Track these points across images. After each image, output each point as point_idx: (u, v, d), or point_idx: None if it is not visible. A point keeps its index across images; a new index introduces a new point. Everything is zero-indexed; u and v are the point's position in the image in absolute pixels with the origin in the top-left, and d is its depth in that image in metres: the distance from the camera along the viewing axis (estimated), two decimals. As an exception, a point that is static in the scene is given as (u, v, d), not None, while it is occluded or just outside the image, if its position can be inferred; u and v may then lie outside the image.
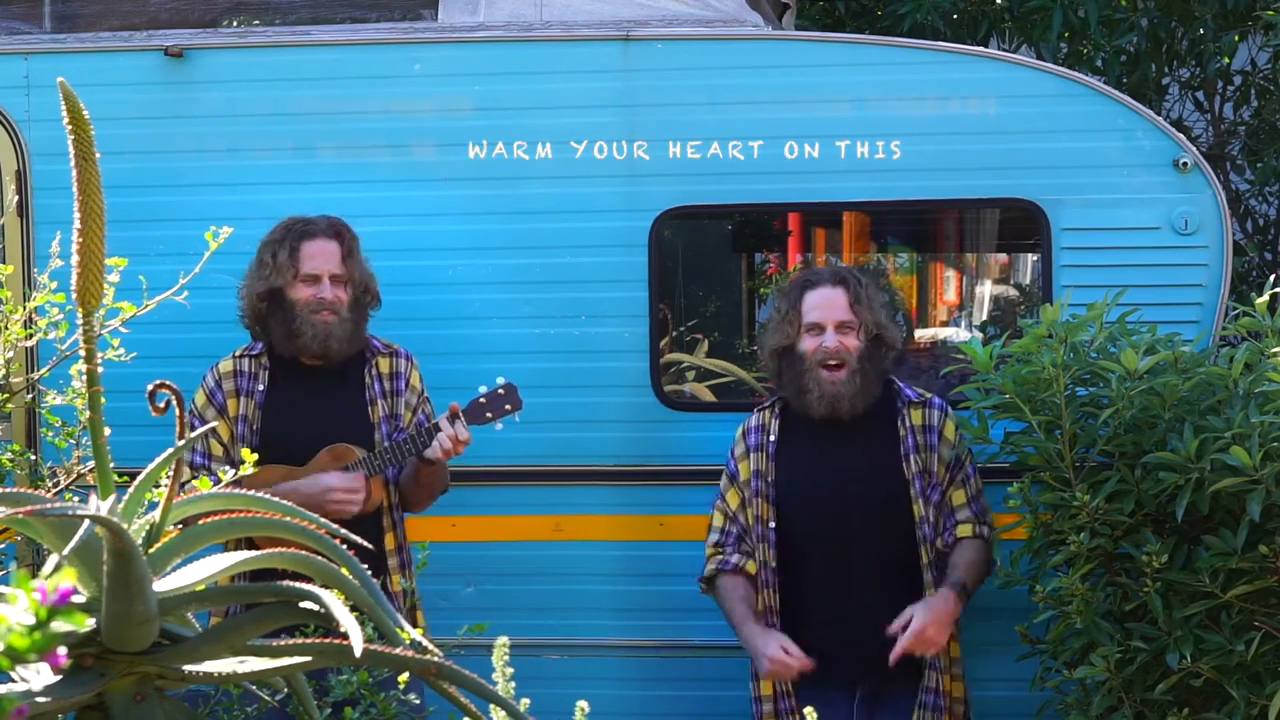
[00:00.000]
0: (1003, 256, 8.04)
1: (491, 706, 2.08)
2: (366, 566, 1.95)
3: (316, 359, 4.22)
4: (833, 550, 4.12)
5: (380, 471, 4.14)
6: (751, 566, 4.16)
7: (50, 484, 3.68)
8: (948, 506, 4.15)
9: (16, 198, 4.65)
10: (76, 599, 1.31)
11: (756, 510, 4.17)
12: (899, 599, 4.06)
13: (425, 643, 2.01)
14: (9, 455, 3.71)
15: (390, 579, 4.12)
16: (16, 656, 1.29)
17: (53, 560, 1.84)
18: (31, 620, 1.29)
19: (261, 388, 4.23)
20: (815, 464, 4.17)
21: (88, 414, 1.91)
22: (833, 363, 4.08)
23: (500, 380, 4.19)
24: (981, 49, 5.68)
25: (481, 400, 4.15)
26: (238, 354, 4.28)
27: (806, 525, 4.15)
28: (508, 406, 4.17)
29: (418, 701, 3.34)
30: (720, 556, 4.19)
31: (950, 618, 4.02)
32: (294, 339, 4.18)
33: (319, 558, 1.92)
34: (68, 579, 1.31)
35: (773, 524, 4.15)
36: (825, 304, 4.12)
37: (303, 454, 4.14)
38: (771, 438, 4.19)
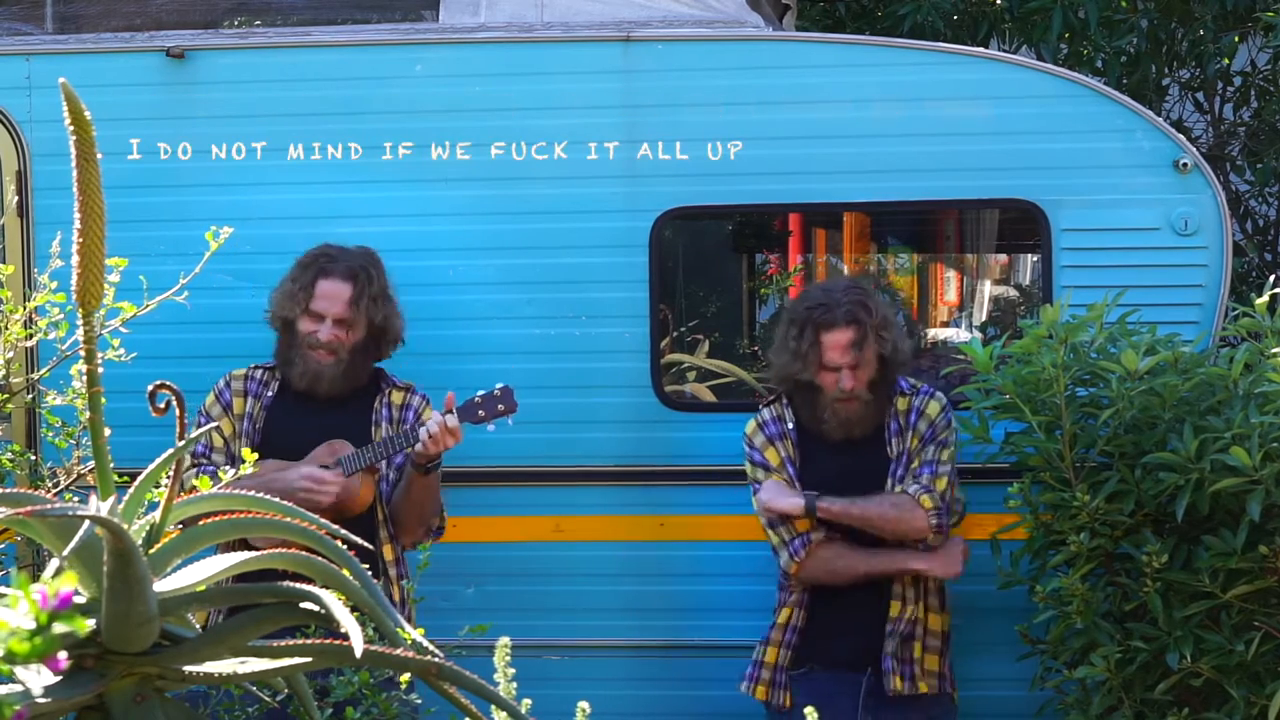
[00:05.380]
0: (1003, 257, 8.04)
1: (492, 707, 2.08)
2: (366, 567, 1.96)
3: (303, 391, 4.26)
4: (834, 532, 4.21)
5: (368, 465, 4.14)
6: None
7: (50, 484, 3.68)
8: (909, 463, 4.21)
9: (17, 198, 4.65)
10: (76, 600, 1.32)
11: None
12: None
13: (425, 644, 2.01)
14: (9, 455, 3.72)
15: (392, 588, 4.12)
16: (16, 661, 1.30)
17: (54, 564, 1.84)
18: (32, 624, 1.29)
19: (270, 393, 4.31)
20: (826, 455, 4.26)
21: (88, 414, 1.91)
22: (847, 398, 4.19)
23: (499, 384, 4.20)
24: (981, 50, 5.69)
25: (476, 400, 4.17)
26: (253, 366, 4.36)
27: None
28: (501, 408, 4.17)
29: (419, 701, 3.34)
30: (804, 533, 4.17)
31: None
32: (287, 368, 4.28)
33: (319, 558, 1.92)
34: (68, 583, 1.31)
35: None
36: (838, 347, 4.18)
37: (299, 458, 4.17)
38: (790, 425, 4.28)
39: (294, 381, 4.27)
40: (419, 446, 4.09)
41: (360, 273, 4.26)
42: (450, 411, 4.10)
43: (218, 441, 4.24)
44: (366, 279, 4.26)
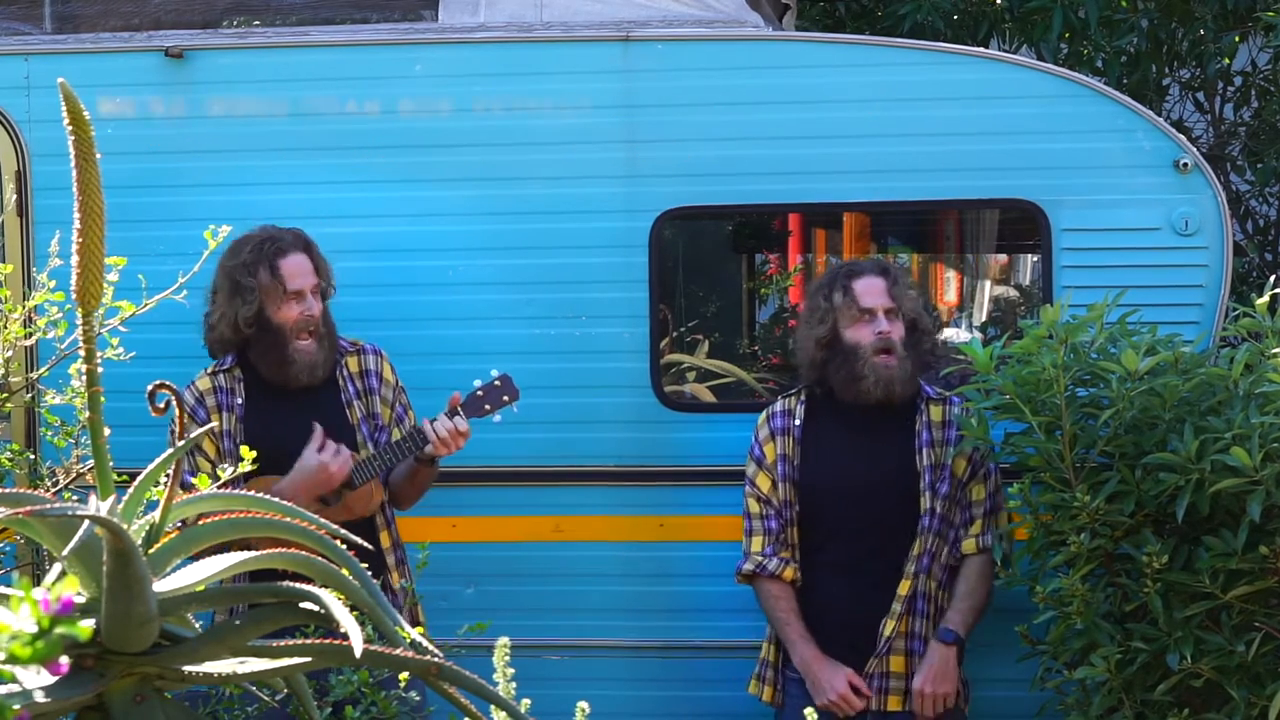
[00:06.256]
0: (1003, 257, 8.04)
1: (492, 707, 2.08)
2: (366, 567, 1.95)
3: (303, 386, 4.19)
4: (847, 537, 4.19)
5: (377, 475, 4.13)
6: (790, 573, 4.20)
7: (50, 484, 3.68)
8: (966, 499, 4.21)
9: (16, 198, 4.65)
10: (76, 600, 1.31)
11: (785, 494, 4.21)
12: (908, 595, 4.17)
13: (425, 643, 2.01)
14: (9, 455, 3.71)
15: (390, 576, 4.12)
16: (18, 665, 1.29)
17: (56, 568, 1.84)
18: (34, 628, 1.29)
19: (240, 401, 4.20)
20: (837, 453, 4.23)
21: (87, 414, 1.91)
22: (886, 349, 4.14)
23: (494, 372, 4.19)
24: (981, 50, 5.68)
25: (479, 393, 4.15)
26: (210, 371, 4.23)
27: (825, 512, 4.21)
28: (505, 398, 4.17)
29: (419, 699, 3.34)
30: (759, 559, 4.21)
31: (947, 668, 4.12)
32: (284, 368, 4.15)
33: (319, 558, 1.92)
34: (69, 588, 1.31)
35: (797, 508, 4.21)
36: (872, 291, 4.18)
37: (288, 463, 4.10)
38: (797, 422, 4.25)
39: (292, 380, 4.16)
40: (429, 449, 4.07)
41: (308, 240, 4.21)
42: (457, 412, 4.08)
43: (204, 466, 4.09)
44: (313, 244, 4.21)
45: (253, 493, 2.07)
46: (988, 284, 8.07)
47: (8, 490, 2.52)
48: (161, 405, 1.96)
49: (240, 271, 4.12)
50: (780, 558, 4.20)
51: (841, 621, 4.17)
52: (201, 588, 1.88)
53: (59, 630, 1.29)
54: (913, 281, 4.55)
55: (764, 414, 4.30)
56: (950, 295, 8.34)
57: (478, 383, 4.17)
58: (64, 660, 1.31)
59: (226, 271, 4.14)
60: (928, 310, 4.80)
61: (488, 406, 4.15)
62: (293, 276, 4.14)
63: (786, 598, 4.19)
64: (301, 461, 4.05)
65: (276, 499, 1.94)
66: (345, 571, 1.91)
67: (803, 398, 4.28)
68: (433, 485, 4.31)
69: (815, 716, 2.55)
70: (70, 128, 1.77)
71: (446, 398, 4.14)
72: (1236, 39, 7.34)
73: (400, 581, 4.07)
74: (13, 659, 1.28)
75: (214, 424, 4.17)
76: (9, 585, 1.41)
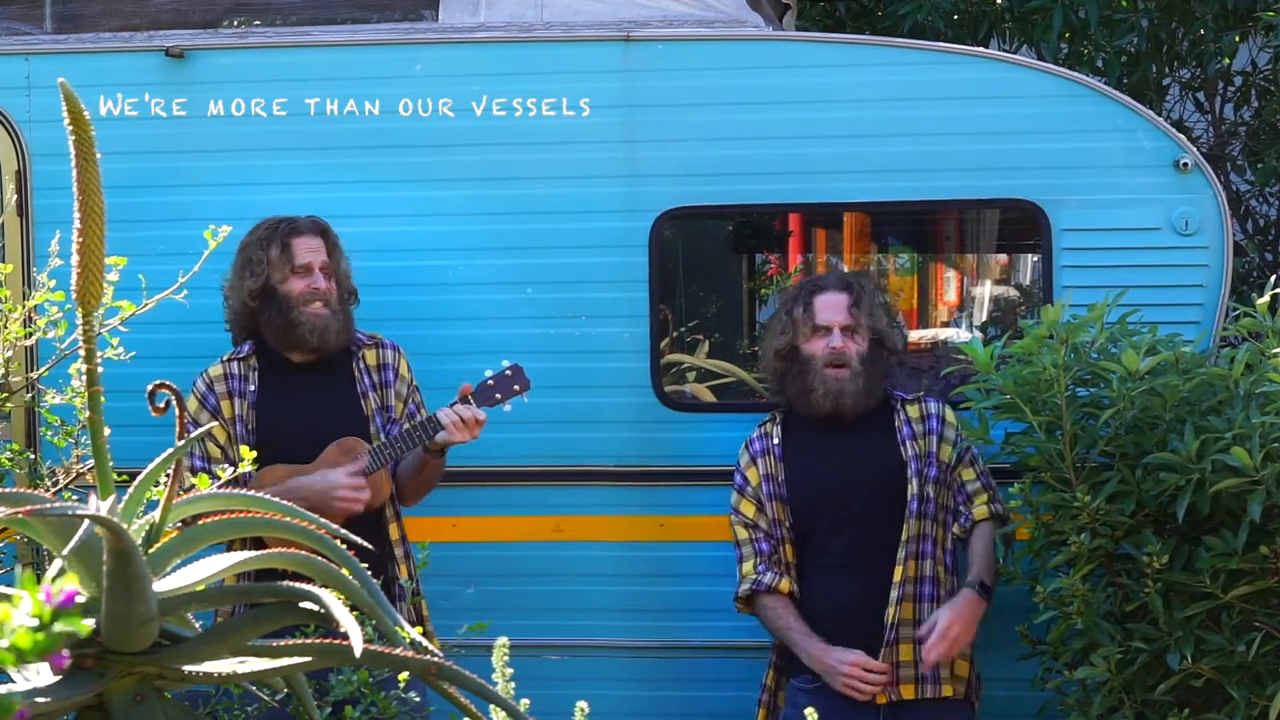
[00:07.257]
0: (1003, 257, 8.03)
1: (491, 707, 2.08)
2: (367, 566, 1.95)
3: (310, 353, 4.23)
4: (843, 541, 4.21)
5: (390, 463, 4.14)
6: (785, 585, 4.20)
7: (50, 484, 3.68)
8: (957, 482, 4.24)
9: (16, 198, 4.65)
10: (76, 600, 1.31)
11: (773, 514, 4.22)
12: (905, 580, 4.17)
13: (425, 643, 2.01)
14: (8, 455, 3.71)
15: (398, 567, 4.12)
16: (21, 656, 1.29)
17: (56, 564, 1.84)
18: (35, 622, 1.29)
19: (253, 388, 4.24)
20: (820, 461, 4.25)
21: (87, 413, 1.91)
22: (838, 363, 4.17)
23: (506, 363, 4.21)
24: (981, 49, 5.68)
25: (490, 382, 4.17)
26: (225, 359, 4.29)
27: (818, 522, 4.22)
28: (516, 387, 4.19)
29: (419, 699, 3.34)
30: (754, 577, 4.23)
31: (974, 618, 4.11)
32: (291, 331, 4.20)
33: (319, 558, 1.91)
34: (71, 582, 1.31)
35: (789, 524, 4.22)
36: (831, 307, 4.23)
37: (299, 451, 4.13)
38: (775, 441, 4.27)
39: (301, 343, 4.21)
40: (441, 437, 4.08)
41: (325, 226, 4.30)
42: (467, 401, 4.10)
43: (214, 453, 4.15)
44: (331, 232, 4.31)
45: (254, 492, 2.07)
46: (988, 284, 8.06)
47: (8, 490, 2.52)
48: (161, 405, 1.96)
49: (253, 247, 4.24)
50: (774, 571, 4.21)
51: (848, 618, 4.17)
52: (201, 588, 1.88)
53: (60, 623, 1.29)
54: (882, 298, 4.55)
55: (743, 444, 4.33)
56: (950, 295, 8.34)
57: (489, 372, 4.19)
58: (65, 652, 1.31)
59: (241, 247, 4.25)
60: (894, 326, 4.82)
61: (498, 396, 4.17)
62: (302, 253, 4.22)
63: (785, 605, 4.20)
64: (324, 474, 4.07)
65: (276, 499, 1.94)
66: (345, 571, 1.91)
67: (778, 419, 4.32)
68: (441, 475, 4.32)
69: (815, 717, 2.54)
70: (70, 128, 1.77)
71: (448, 397, 4.14)
72: (1236, 39, 7.34)
73: (404, 579, 4.07)
74: (16, 649, 1.28)
75: (214, 424, 4.18)
76: (9, 584, 1.40)
